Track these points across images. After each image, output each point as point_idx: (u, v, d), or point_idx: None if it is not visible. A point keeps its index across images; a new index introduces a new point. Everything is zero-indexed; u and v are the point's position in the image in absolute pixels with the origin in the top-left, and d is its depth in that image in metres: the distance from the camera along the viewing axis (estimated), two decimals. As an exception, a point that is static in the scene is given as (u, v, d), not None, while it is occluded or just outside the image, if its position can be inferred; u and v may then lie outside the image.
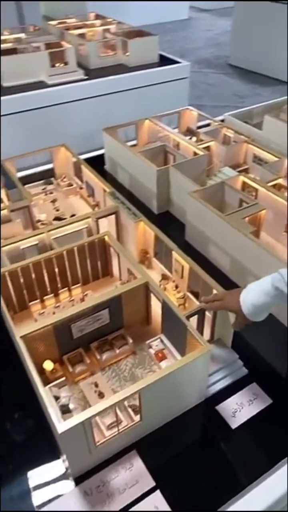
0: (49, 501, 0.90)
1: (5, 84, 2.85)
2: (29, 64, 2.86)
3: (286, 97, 2.33)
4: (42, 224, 1.56)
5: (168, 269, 1.37)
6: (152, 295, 1.16)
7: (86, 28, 3.54)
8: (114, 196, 1.48)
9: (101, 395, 1.03)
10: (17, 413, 1.07)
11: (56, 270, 1.27)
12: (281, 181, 1.60)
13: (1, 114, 2.63)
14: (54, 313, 1.23)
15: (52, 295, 1.28)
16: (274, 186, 1.57)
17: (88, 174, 1.68)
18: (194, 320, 1.11)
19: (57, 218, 1.61)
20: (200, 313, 1.12)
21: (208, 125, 2.11)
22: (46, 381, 1.04)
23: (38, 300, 1.26)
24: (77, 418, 0.83)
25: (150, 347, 1.14)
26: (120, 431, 0.94)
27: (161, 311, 1.13)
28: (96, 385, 1.06)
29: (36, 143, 1.84)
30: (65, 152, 1.83)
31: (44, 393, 0.91)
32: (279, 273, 0.95)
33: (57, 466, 0.95)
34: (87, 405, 1.01)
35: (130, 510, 0.87)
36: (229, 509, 0.88)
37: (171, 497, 0.89)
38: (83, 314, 1.07)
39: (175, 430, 1.01)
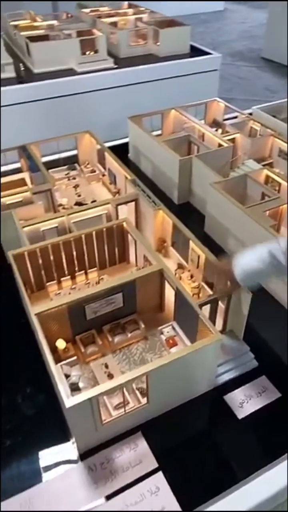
0: (55, 473, 0.93)
1: (35, 70, 2.88)
2: (60, 51, 2.88)
3: None
4: (64, 208, 1.59)
5: (185, 259, 1.37)
6: (166, 282, 1.17)
7: (118, 16, 3.54)
8: (135, 183, 1.49)
9: (110, 376, 1.05)
10: (29, 388, 1.10)
11: (74, 253, 1.29)
12: (305, 176, 1.57)
13: (29, 100, 2.68)
14: (70, 294, 1.25)
15: (69, 277, 1.31)
16: (298, 181, 1.54)
17: (111, 161, 1.69)
18: (206, 309, 1.11)
19: (78, 203, 1.63)
20: (213, 303, 1.12)
21: (235, 118, 2.08)
22: (58, 360, 1.07)
23: (55, 281, 1.29)
24: (85, 394, 0.85)
25: (162, 333, 1.15)
26: (126, 412, 0.96)
27: (174, 299, 1.13)
28: (106, 366, 1.08)
29: (63, 129, 1.86)
30: (89, 138, 1.84)
31: (55, 370, 0.93)
32: (277, 241, 0.92)
33: (65, 441, 0.98)
34: (96, 384, 1.03)
35: None
36: (227, 498, 0.89)
37: (173, 479, 0.91)
38: (97, 296, 1.09)
39: (181, 416, 1.03)
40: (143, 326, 1.16)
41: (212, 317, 1.15)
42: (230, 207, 1.44)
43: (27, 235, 1.29)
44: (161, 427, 1.00)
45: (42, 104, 2.73)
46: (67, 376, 1.04)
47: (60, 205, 1.62)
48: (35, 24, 3.35)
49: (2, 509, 0.87)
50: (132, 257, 1.40)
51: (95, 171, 1.83)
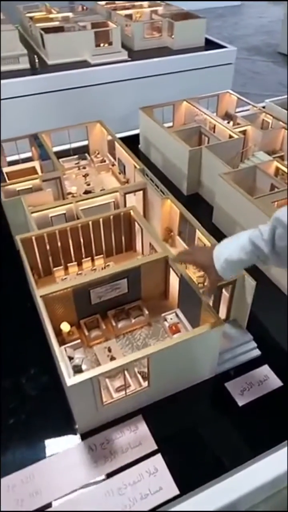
0: (56, 452, 0.95)
1: (50, 61, 2.90)
2: (74, 43, 2.90)
3: None
4: (73, 196, 1.61)
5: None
6: (171, 270, 1.17)
7: (134, 9, 3.53)
8: (143, 172, 1.49)
9: (113, 360, 1.06)
10: (33, 369, 1.12)
11: (81, 239, 1.31)
12: (316, 168, 1.55)
13: (43, 91, 2.70)
14: (76, 279, 1.27)
15: (75, 263, 1.32)
16: (308, 173, 1.53)
17: (121, 151, 1.70)
18: (211, 298, 1.12)
19: (87, 192, 1.65)
20: (218, 291, 1.12)
21: (248, 111, 2.07)
22: (62, 342, 1.09)
23: (62, 267, 1.31)
24: (86, 374, 0.87)
25: (165, 320, 1.16)
26: (127, 394, 0.97)
27: (179, 286, 1.14)
28: (109, 350, 1.09)
29: (75, 121, 1.87)
30: (100, 128, 1.86)
31: (59, 352, 0.95)
32: (258, 229, 0.89)
33: (66, 421, 1.00)
34: (99, 367, 1.05)
35: None
36: (223, 482, 0.89)
37: (171, 462, 0.92)
38: (102, 281, 1.10)
39: (182, 401, 1.04)
40: (147, 312, 1.17)
41: (216, 306, 1.15)
42: (238, 197, 1.44)
43: (36, 221, 1.31)
44: (162, 411, 1.01)
45: (55, 95, 2.74)
46: (70, 358, 1.05)
47: (70, 193, 1.63)
48: (50, 16, 3.37)
49: (3, 484, 0.89)
50: (138, 246, 1.41)
51: (105, 161, 1.84)
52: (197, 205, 1.71)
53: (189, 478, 0.90)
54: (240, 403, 1.03)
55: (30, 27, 3.24)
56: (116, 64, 2.93)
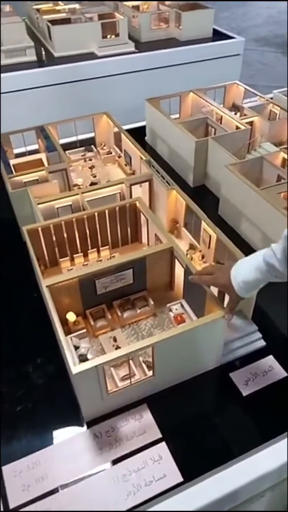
0: (62, 439, 0.96)
1: (56, 53, 2.89)
2: (81, 35, 2.88)
3: None
4: (79, 188, 1.61)
5: (197, 240, 1.38)
6: (176, 261, 1.18)
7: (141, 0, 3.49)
8: (149, 164, 1.49)
9: (118, 349, 1.07)
10: (39, 359, 1.14)
11: (87, 230, 1.31)
12: None
13: (50, 84, 2.69)
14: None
15: (81, 254, 1.33)
16: (315, 164, 1.51)
17: (127, 143, 1.69)
18: (215, 288, 1.12)
19: (93, 184, 1.65)
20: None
21: (255, 102, 2.05)
22: (68, 332, 1.10)
23: (68, 258, 1.32)
24: (91, 362, 0.87)
25: (170, 310, 1.17)
26: (132, 383, 0.98)
27: (184, 277, 1.14)
28: (115, 340, 1.10)
29: (82, 113, 1.87)
30: (106, 120, 1.85)
31: (65, 341, 0.96)
32: (271, 248, 0.92)
33: (72, 409, 1.01)
34: (104, 357, 1.05)
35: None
36: (227, 470, 0.90)
37: (175, 450, 0.93)
38: (108, 271, 1.11)
39: (187, 390, 1.04)
40: (152, 303, 1.18)
41: (221, 297, 1.15)
42: (244, 188, 1.43)
43: (42, 212, 1.32)
44: (167, 401, 1.02)
45: (62, 87, 2.74)
46: (76, 347, 1.06)
47: (76, 185, 1.64)
48: (57, 7, 3.35)
49: (11, 470, 0.91)
50: (144, 237, 1.41)
51: (111, 153, 1.84)
52: (203, 197, 1.71)
53: (193, 466, 0.91)
54: (245, 393, 1.03)
55: (37, 19, 3.23)
56: (123, 56, 2.92)
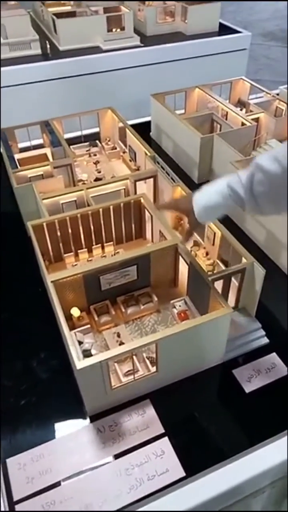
0: (65, 432, 0.97)
1: (61, 47, 2.88)
2: (86, 28, 2.87)
3: None
4: (83, 183, 1.61)
5: (201, 237, 1.38)
6: (180, 257, 1.18)
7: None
8: (154, 160, 1.49)
9: (121, 345, 1.08)
10: (43, 353, 1.15)
11: (92, 226, 1.32)
12: None
13: (55, 77, 2.68)
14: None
15: (85, 249, 1.34)
16: None
17: (132, 138, 1.69)
18: (219, 285, 1.12)
19: (98, 179, 1.65)
20: (227, 279, 1.12)
21: (261, 98, 2.04)
22: (72, 327, 1.10)
23: (72, 253, 1.32)
24: (95, 358, 0.88)
25: (174, 307, 1.17)
26: (135, 379, 0.99)
27: (188, 273, 1.15)
28: (119, 335, 1.11)
29: (87, 108, 1.86)
30: (111, 115, 1.85)
31: (69, 336, 0.97)
32: (237, 175, 0.91)
33: (75, 404, 1.02)
34: (108, 352, 1.06)
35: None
36: (229, 466, 0.91)
37: (178, 445, 0.94)
38: (112, 268, 1.12)
39: (189, 386, 1.05)
40: (156, 299, 1.18)
41: (225, 294, 1.15)
42: (249, 186, 1.42)
43: (47, 208, 1.32)
44: (169, 396, 1.03)
45: (67, 81, 2.73)
46: (80, 343, 1.07)
47: (80, 180, 1.64)
48: (63, 1, 3.33)
49: (15, 462, 0.92)
50: (148, 234, 1.41)
51: (116, 148, 1.84)
52: (208, 194, 1.70)
53: (195, 461, 0.92)
54: (247, 390, 1.04)
55: (42, 11, 3.21)
56: (128, 50, 2.90)
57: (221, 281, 1.11)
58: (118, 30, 2.96)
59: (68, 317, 1.11)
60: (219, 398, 1.05)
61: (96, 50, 2.89)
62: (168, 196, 1.42)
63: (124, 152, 1.81)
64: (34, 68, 2.66)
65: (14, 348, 1.16)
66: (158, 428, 0.97)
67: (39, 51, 2.83)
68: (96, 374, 0.90)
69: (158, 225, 1.29)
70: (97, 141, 1.91)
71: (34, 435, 0.98)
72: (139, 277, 1.18)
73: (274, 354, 1.11)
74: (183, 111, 2.07)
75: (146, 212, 1.36)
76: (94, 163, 1.78)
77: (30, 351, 1.15)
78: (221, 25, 3.25)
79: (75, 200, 1.38)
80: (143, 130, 1.90)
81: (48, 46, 2.91)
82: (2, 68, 2.51)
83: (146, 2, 3.36)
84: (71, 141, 1.82)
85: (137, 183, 1.44)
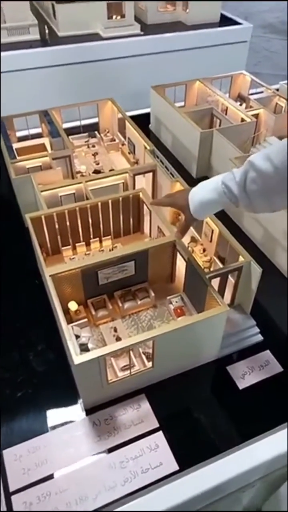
0: (61, 425, 0.99)
1: (60, 33, 2.83)
2: (86, 14, 2.81)
3: None
4: (82, 175, 1.60)
5: (198, 233, 1.38)
6: (178, 254, 1.19)
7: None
8: (153, 154, 1.48)
9: (118, 340, 1.09)
10: (40, 346, 1.15)
11: (90, 220, 1.32)
12: None
13: (53, 64, 2.64)
14: (84, 259, 1.28)
15: (83, 243, 1.34)
16: None
17: (131, 130, 1.68)
18: (216, 282, 1.13)
19: (96, 171, 1.64)
20: (223, 276, 1.14)
21: (261, 93, 2.03)
22: (69, 321, 1.11)
23: (70, 246, 1.32)
24: (93, 353, 0.89)
25: (171, 302, 1.18)
26: (132, 374, 1.00)
27: (185, 270, 1.15)
28: (115, 330, 1.12)
29: (86, 97, 1.84)
30: (111, 106, 1.83)
31: (66, 330, 0.97)
32: (231, 172, 0.93)
33: (71, 397, 1.03)
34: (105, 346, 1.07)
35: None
36: (221, 460, 0.93)
37: (172, 439, 0.95)
38: (110, 262, 1.12)
39: (184, 382, 1.07)
40: (153, 294, 1.19)
41: (221, 291, 1.17)
42: (248, 183, 1.43)
43: (45, 200, 1.31)
44: (164, 391, 1.05)
45: (65, 69, 2.69)
46: (77, 336, 1.08)
47: (79, 172, 1.63)
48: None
49: (11, 453, 0.93)
50: (146, 228, 1.41)
51: (115, 140, 1.83)
52: (206, 189, 1.70)
53: (189, 455, 0.94)
54: (241, 386, 1.06)
55: (41, -4, 3.14)
56: (128, 38, 2.86)
57: (218, 278, 1.12)
58: (119, 17, 2.91)
59: (66, 310, 1.11)
60: (213, 394, 1.07)
61: (95, 37, 2.84)
62: (167, 191, 1.41)
63: (123, 144, 1.80)
64: (33, 54, 2.61)
65: (11, 340, 1.17)
66: (153, 422, 0.98)
67: (37, 36, 2.78)
68: (93, 369, 0.91)
69: (157, 221, 1.29)
70: (96, 132, 1.89)
71: (30, 427, 0.99)
72: (136, 272, 1.19)
73: (268, 351, 1.13)
74: (182, 103, 2.06)
75: (145, 207, 1.36)
76: (93, 155, 1.77)
77: (26, 343, 1.16)
78: (222, 16, 3.21)
79: (74, 193, 1.37)
80: (142, 121, 1.89)
81: (47, 31, 2.86)
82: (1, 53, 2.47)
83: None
84: (70, 131, 1.80)
85: (136, 177, 1.44)
